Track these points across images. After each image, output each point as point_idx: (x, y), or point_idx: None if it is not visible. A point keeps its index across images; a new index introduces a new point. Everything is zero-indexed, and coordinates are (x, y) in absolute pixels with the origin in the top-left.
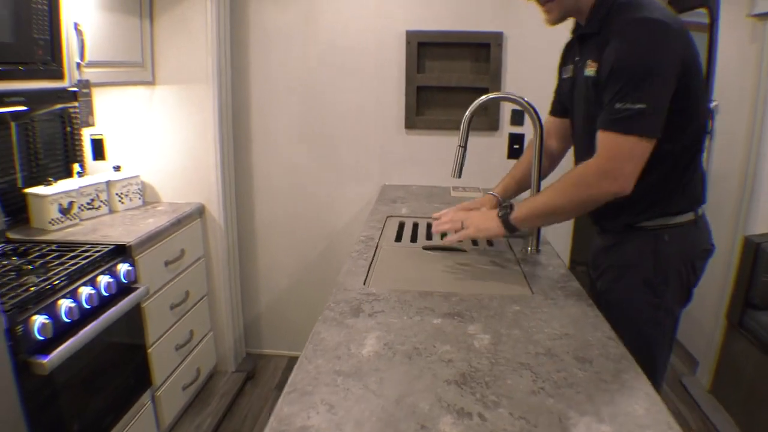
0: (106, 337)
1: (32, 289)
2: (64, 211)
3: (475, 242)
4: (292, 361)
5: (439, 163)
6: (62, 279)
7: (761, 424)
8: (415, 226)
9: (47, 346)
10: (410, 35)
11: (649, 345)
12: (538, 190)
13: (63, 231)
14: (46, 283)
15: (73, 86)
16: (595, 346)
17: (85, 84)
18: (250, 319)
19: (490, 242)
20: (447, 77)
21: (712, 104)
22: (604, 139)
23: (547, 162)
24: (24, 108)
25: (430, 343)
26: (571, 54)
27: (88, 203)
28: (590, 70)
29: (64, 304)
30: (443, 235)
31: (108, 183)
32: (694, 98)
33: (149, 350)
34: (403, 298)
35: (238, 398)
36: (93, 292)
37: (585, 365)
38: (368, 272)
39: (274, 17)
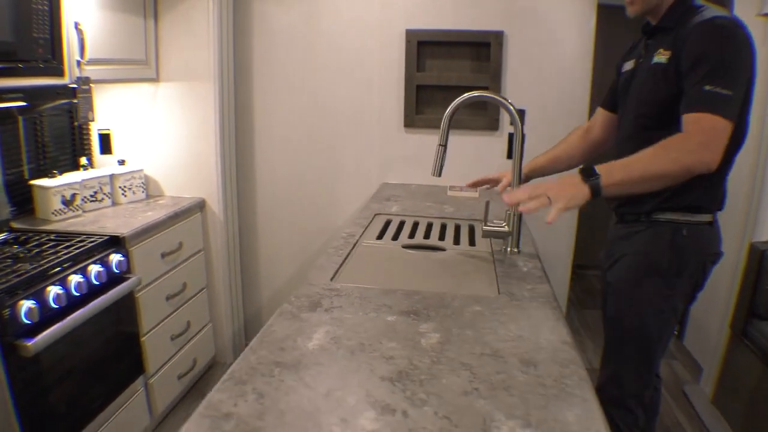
0: (97, 324)
1: (23, 275)
2: (67, 203)
3: (456, 241)
4: None
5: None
6: (53, 267)
7: None
8: (401, 224)
9: (34, 330)
10: (410, 34)
11: (650, 336)
12: (519, 183)
13: (65, 222)
14: (37, 270)
15: (72, 83)
16: (546, 350)
17: (85, 81)
18: (251, 312)
19: (471, 242)
20: (447, 76)
21: None
22: (695, 117)
23: (589, 150)
24: (23, 104)
25: (378, 339)
26: (634, 51)
27: (92, 195)
28: (661, 57)
29: (53, 290)
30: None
31: (111, 176)
32: (745, 104)
33: (143, 338)
34: (364, 295)
35: None
36: (82, 280)
37: (529, 368)
38: (339, 269)
39: (277, 16)
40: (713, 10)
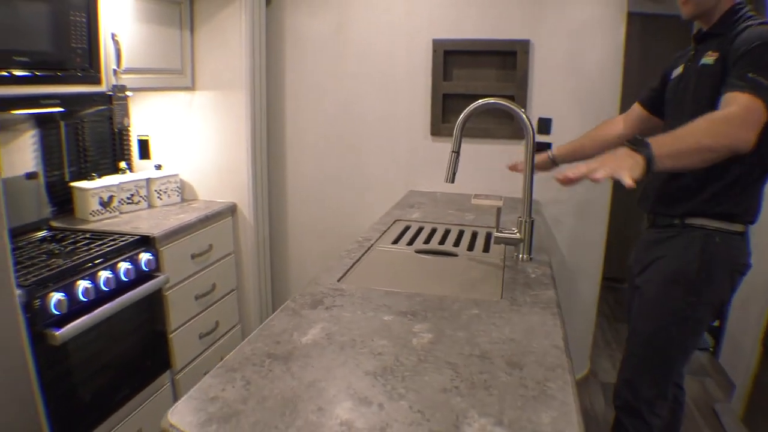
0: (125, 318)
1: (55, 269)
2: (105, 204)
3: (471, 248)
4: None
5: (464, 171)
6: (84, 262)
7: None
8: (419, 230)
9: (62, 321)
10: (437, 44)
11: (670, 343)
12: (530, 192)
13: (101, 222)
14: (69, 265)
15: (109, 91)
16: (535, 353)
17: (121, 89)
18: None
19: (486, 248)
20: (473, 85)
21: None
22: (738, 96)
23: (612, 142)
24: (61, 110)
25: (370, 337)
26: (683, 58)
27: (128, 198)
28: (709, 59)
29: (82, 284)
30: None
31: (148, 180)
32: None
33: (171, 335)
34: (367, 296)
35: None
36: (111, 276)
37: (514, 370)
38: (348, 271)
39: (308, 27)
40: (765, 20)
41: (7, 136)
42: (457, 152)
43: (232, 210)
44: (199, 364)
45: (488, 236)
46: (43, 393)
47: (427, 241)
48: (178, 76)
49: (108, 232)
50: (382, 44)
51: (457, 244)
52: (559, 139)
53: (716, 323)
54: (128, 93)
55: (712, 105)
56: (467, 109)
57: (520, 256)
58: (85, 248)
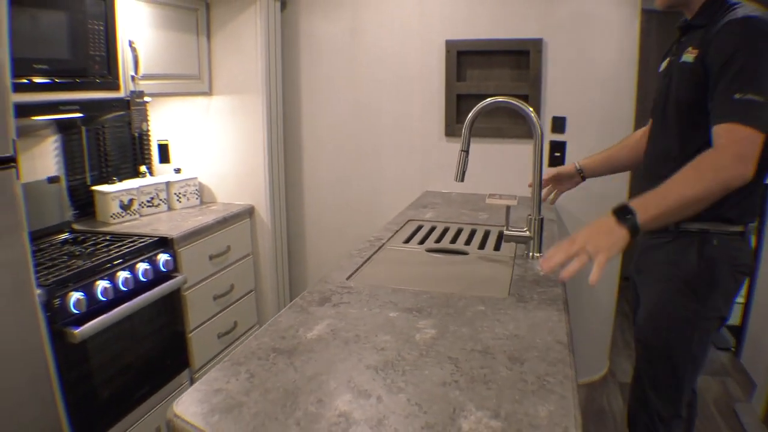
0: (144, 318)
1: (74, 269)
2: (125, 207)
3: (482, 246)
4: None
5: (478, 170)
6: (103, 263)
7: None
8: (431, 229)
9: (82, 320)
10: (450, 44)
11: (680, 355)
12: (539, 190)
13: (122, 224)
14: (88, 265)
15: (127, 97)
16: (537, 348)
17: (139, 94)
18: None
19: (497, 247)
20: (486, 85)
21: None
22: (725, 129)
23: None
24: (80, 115)
25: (374, 332)
26: (669, 52)
27: (149, 201)
28: (689, 55)
29: (101, 284)
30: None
31: (167, 183)
32: None
33: (189, 335)
34: (374, 293)
35: None
36: (130, 276)
37: (515, 365)
38: (357, 269)
39: (322, 31)
40: (748, 8)
41: (29, 142)
42: (466, 151)
43: (249, 212)
44: (217, 364)
45: (500, 235)
46: (62, 390)
47: (439, 240)
48: (195, 81)
49: (128, 234)
50: (395, 46)
51: (468, 242)
52: (573, 137)
53: (738, 322)
54: (146, 98)
55: (694, 109)
56: (475, 108)
57: (530, 254)
58: (105, 249)
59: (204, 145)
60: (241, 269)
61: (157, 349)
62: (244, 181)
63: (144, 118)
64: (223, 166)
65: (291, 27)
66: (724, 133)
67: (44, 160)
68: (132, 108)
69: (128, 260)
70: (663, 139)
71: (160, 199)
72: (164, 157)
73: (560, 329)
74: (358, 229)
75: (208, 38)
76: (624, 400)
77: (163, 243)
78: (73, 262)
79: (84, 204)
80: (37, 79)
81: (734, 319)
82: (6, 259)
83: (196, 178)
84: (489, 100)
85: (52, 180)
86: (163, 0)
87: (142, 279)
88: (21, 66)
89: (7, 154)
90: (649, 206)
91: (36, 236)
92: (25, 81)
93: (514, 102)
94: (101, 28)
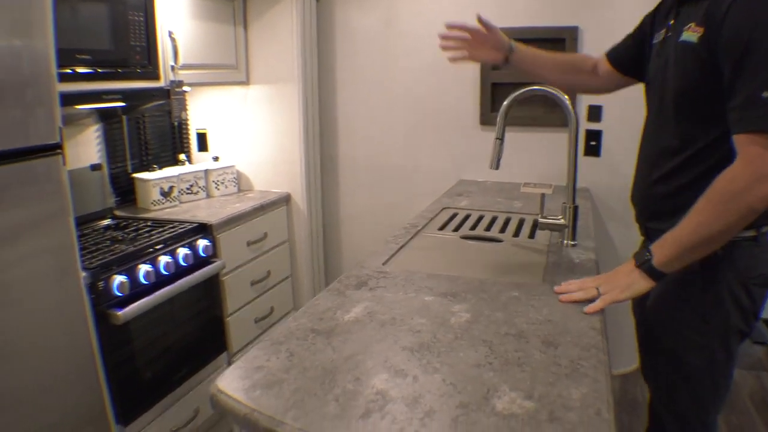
0: (183, 301)
1: (118, 253)
2: (165, 194)
3: (516, 234)
4: None
5: (513, 159)
6: (145, 248)
7: None
8: (466, 217)
9: (124, 302)
10: None
11: (691, 377)
12: (575, 177)
13: (162, 211)
14: (132, 250)
15: (167, 86)
16: (571, 333)
17: (178, 84)
18: None
19: (531, 235)
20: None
21: None
22: (745, 140)
23: (585, 82)
24: (121, 104)
25: (410, 316)
26: (664, 14)
27: (188, 188)
28: (691, 34)
29: (143, 268)
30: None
31: (206, 171)
32: None
33: (227, 319)
34: (409, 278)
35: None
36: (171, 260)
37: (548, 349)
38: (393, 255)
39: (358, 21)
40: None
41: (73, 131)
42: (500, 139)
43: (286, 199)
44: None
45: (535, 223)
46: (105, 370)
47: (474, 227)
48: (233, 71)
49: (168, 220)
50: (430, 36)
51: (503, 230)
52: (609, 126)
53: None
54: (185, 88)
55: (698, 100)
56: (511, 96)
57: (565, 241)
58: (147, 235)
59: (241, 134)
60: (277, 255)
61: (195, 332)
62: (280, 169)
63: (183, 107)
64: (260, 155)
65: (326, 17)
66: (745, 145)
67: (87, 148)
68: (172, 97)
69: (169, 245)
70: (660, 132)
71: (199, 187)
72: (202, 145)
73: (594, 316)
74: (392, 217)
75: (245, 28)
76: None
77: (203, 229)
78: (116, 247)
79: (125, 191)
80: (80, 69)
81: None
82: (53, 243)
83: (233, 166)
84: (525, 89)
85: (95, 167)
86: None
87: (183, 263)
88: (65, 56)
89: (54, 141)
90: (666, 246)
91: (80, 222)
92: (69, 71)
93: (550, 90)
94: (141, 19)
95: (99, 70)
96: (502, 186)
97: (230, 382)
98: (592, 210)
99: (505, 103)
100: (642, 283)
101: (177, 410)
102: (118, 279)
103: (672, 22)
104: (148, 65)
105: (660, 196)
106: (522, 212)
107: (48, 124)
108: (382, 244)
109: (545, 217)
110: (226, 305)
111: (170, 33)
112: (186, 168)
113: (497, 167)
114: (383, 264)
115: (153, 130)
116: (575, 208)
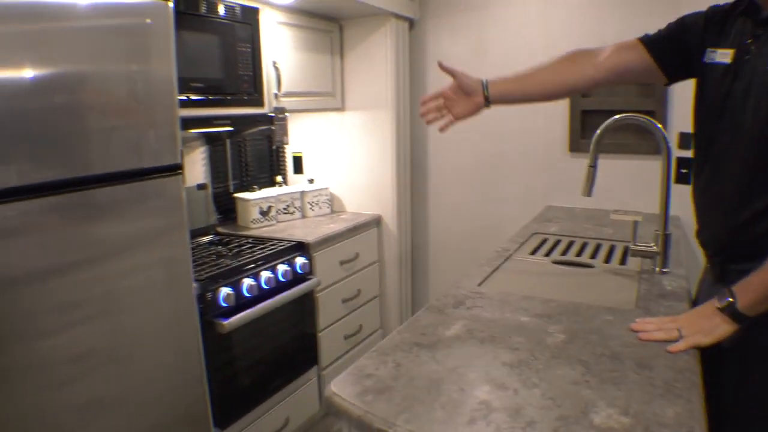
0: (281, 315)
1: (224, 267)
2: (264, 213)
3: (608, 260)
4: None
5: (602, 186)
6: (248, 263)
7: None
8: (557, 243)
9: (229, 312)
10: None
11: None
12: (667, 205)
13: (261, 229)
14: (236, 264)
15: (270, 112)
16: (665, 357)
17: (281, 110)
18: None
19: (623, 261)
20: (611, 101)
21: None
22: None
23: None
24: (230, 129)
25: (507, 334)
26: (721, 29)
27: (284, 208)
28: None
29: (247, 282)
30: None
31: (302, 193)
32: None
33: (319, 333)
34: (505, 299)
35: None
36: (271, 276)
37: (643, 371)
38: (487, 277)
39: (449, 50)
40: None
41: (183, 152)
42: (594, 166)
43: (377, 222)
44: (342, 363)
45: (625, 250)
46: (208, 376)
47: (564, 253)
48: (330, 98)
49: (267, 237)
50: (520, 63)
51: (593, 256)
52: None
53: None
54: (287, 114)
55: None
56: (604, 123)
57: (656, 269)
58: (248, 251)
59: (335, 158)
60: (367, 275)
61: (289, 345)
62: (372, 192)
63: (285, 132)
64: (352, 178)
65: (418, 46)
66: None
67: (194, 168)
68: (275, 123)
69: (270, 261)
70: (744, 166)
71: (295, 207)
72: (298, 168)
73: None
74: (480, 241)
75: (341, 58)
76: None
77: (300, 247)
78: (221, 261)
79: (226, 209)
80: (194, 96)
81: None
82: (170, 255)
83: (327, 188)
84: (617, 116)
85: (201, 187)
86: (302, 24)
87: (282, 279)
88: (181, 84)
89: (176, 162)
90: (749, 289)
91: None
92: (184, 98)
93: (642, 118)
94: (249, 50)
95: (210, 97)
96: (590, 213)
97: (344, 387)
98: (682, 238)
99: (598, 130)
100: (725, 327)
101: (269, 418)
102: (225, 291)
103: (750, 41)
104: (254, 93)
105: (756, 236)
106: (612, 239)
107: (171, 146)
108: (476, 266)
109: (637, 245)
110: (319, 321)
111: (274, 63)
112: (283, 189)
113: (590, 194)
114: (478, 285)
115: (253, 153)
116: (667, 236)
